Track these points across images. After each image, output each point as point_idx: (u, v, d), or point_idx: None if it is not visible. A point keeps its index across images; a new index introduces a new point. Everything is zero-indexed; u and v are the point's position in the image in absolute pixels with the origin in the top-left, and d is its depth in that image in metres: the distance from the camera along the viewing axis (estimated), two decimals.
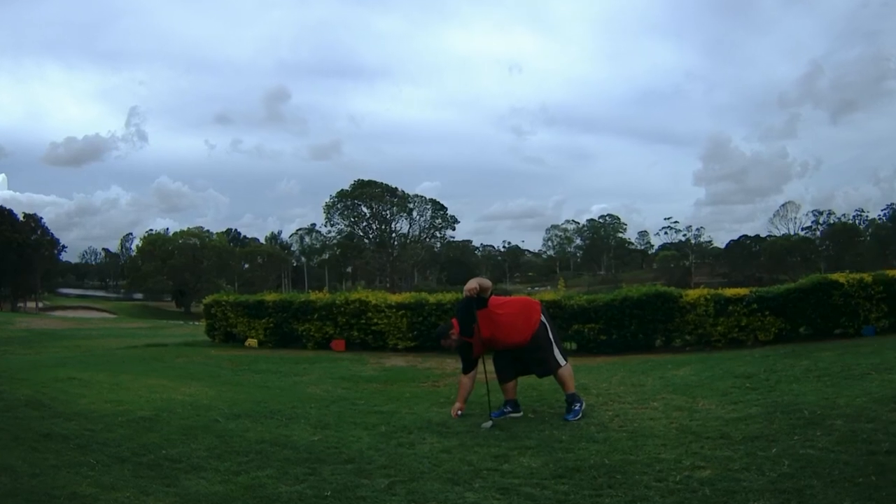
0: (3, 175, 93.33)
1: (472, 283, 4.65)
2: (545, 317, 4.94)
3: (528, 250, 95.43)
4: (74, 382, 6.00)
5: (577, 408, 4.74)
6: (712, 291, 9.41)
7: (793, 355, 6.95)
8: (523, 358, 4.85)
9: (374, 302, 10.61)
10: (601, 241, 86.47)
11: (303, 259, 79.90)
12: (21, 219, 55.26)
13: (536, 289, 58.20)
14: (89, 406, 4.99)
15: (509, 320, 4.77)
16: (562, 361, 4.88)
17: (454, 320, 4.93)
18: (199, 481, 3.39)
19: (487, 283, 4.80)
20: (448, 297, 10.44)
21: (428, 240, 71.89)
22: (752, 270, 67.00)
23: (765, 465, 3.38)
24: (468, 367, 4.90)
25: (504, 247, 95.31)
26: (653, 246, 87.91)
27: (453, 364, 8.12)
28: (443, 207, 70.15)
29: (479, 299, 4.71)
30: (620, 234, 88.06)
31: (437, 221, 70.30)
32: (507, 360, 4.91)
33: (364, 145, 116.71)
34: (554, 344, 4.88)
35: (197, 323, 24.34)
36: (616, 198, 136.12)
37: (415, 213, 69.34)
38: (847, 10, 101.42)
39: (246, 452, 3.89)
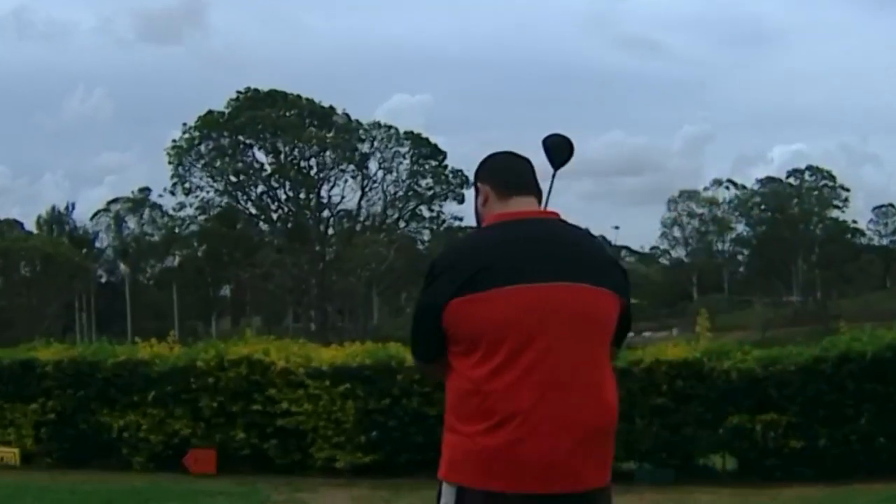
0: None
1: None
2: None
3: (626, 248, 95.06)
4: None
5: None
6: None
7: None
8: None
9: (282, 364, 10.86)
10: (794, 226, 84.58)
11: (123, 268, 79.35)
12: None
13: (647, 335, 54.04)
14: None
15: None
16: None
17: None
18: None
19: None
20: None
21: (403, 224, 71.99)
22: None
23: None
24: None
25: None
26: None
27: None
28: (436, 151, 70.09)
29: None
30: (836, 213, 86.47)
31: (422, 182, 70.30)
32: None
33: (257, 10, 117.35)
34: None
35: None
36: (826, 132, 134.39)
37: (373, 165, 69.27)
38: None
39: None
